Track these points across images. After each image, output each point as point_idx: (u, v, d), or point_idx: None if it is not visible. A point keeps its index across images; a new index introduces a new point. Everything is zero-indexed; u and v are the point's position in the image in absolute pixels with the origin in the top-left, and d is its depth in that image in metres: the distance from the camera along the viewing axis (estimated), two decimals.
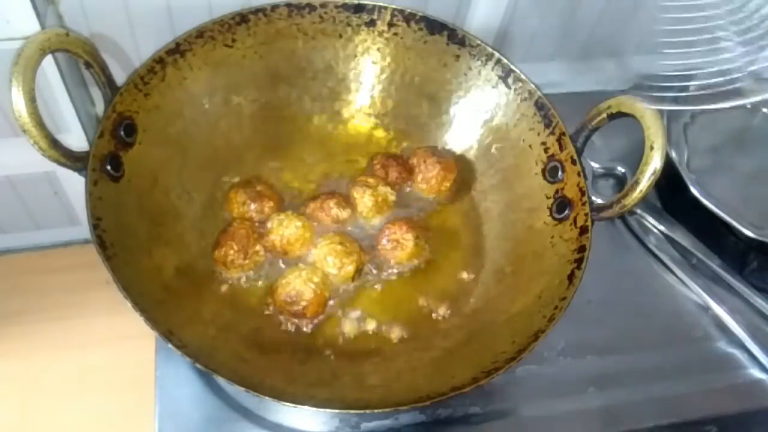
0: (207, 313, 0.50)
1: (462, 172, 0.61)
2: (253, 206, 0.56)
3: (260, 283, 0.54)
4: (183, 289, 0.50)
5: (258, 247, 0.54)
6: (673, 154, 0.66)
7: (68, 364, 0.59)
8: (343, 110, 0.63)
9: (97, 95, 0.58)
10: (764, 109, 0.76)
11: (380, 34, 0.60)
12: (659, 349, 0.60)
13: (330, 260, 0.53)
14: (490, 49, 0.57)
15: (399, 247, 0.55)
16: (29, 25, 0.47)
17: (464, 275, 0.57)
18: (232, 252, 0.53)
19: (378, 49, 0.61)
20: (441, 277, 0.56)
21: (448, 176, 0.60)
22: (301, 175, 0.60)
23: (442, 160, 0.60)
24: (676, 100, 0.70)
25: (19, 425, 0.56)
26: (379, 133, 0.64)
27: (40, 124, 0.42)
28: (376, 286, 0.55)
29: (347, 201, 0.58)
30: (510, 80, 0.57)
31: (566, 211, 0.52)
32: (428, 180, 0.60)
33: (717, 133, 0.73)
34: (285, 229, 0.54)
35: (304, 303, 0.51)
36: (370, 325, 0.53)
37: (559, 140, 0.53)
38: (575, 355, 0.58)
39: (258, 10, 0.56)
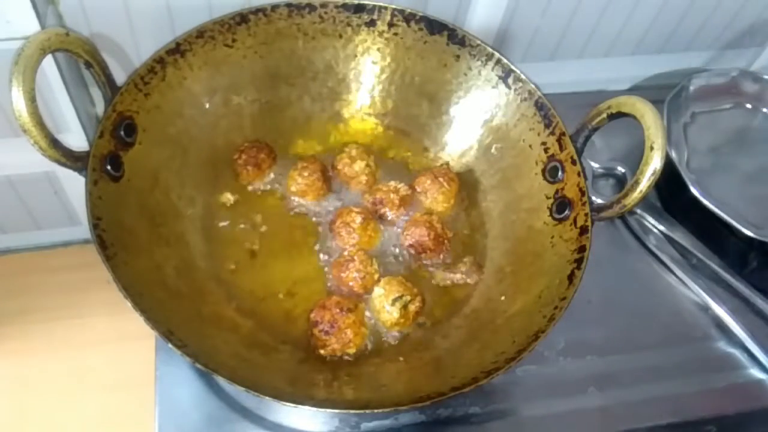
0: (207, 313, 0.50)
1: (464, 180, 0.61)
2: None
3: (262, 277, 0.54)
4: (183, 289, 0.50)
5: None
6: (673, 154, 0.66)
7: (68, 364, 0.59)
8: (343, 110, 0.63)
9: (97, 95, 0.58)
10: (764, 109, 0.76)
11: (380, 34, 0.60)
12: (659, 349, 0.60)
13: (388, 307, 0.52)
14: (490, 49, 0.57)
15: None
16: (29, 25, 0.47)
17: (464, 275, 0.57)
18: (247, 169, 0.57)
19: (378, 49, 0.61)
20: (441, 277, 0.56)
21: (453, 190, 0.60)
22: None
23: (445, 179, 0.59)
24: (676, 100, 0.71)
25: (18, 425, 0.56)
26: (379, 133, 0.64)
27: (40, 124, 0.42)
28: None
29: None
30: (510, 80, 0.57)
31: (566, 211, 0.52)
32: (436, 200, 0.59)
33: (717, 133, 0.73)
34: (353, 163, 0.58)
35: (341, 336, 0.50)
36: (371, 325, 0.53)
37: (559, 140, 0.53)
38: (575, 355, 0.58)
39: (258, 10, 0.56)
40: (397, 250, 0.57)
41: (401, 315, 0.51)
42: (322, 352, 0.50)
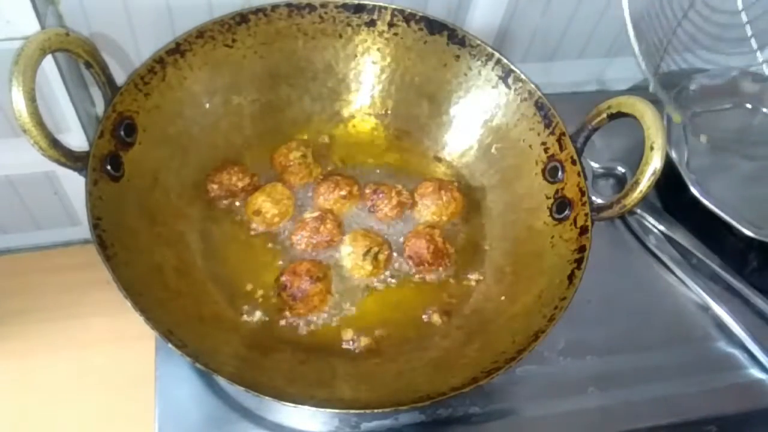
0: (207, 313, 0.50)
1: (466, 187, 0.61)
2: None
3: (261, 285, 0.54)
4: (183, 289, 0.50)
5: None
6: (673, 154, 0.66)
7: (68, 364, 0.59)
8: (343, 110, 0.63)
9: (97, 95, 0.58)
10: (764, 109, 0.76)
11: (380, 34, 0.60)
12: (659, 349, 0.60)
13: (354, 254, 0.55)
14: (490, 49, 0.57)
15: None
16: (29, 25, 0.47)
17: (464, 275, 0.57)
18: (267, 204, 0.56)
19: (378, 49, 0.61)
20: (440, 277, 0.56)
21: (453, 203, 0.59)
22: None
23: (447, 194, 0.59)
24: (677, 100, 0.71)
25: (18, 425, 0.56)
26: (380, 133, 0.64)
27: (40, 124, 0.42)
28: (377, 287, 0.55)
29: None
30: (510, 80, 0.57)
31: (566, 211, 0.52)
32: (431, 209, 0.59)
33: (717, 133, 0.73)
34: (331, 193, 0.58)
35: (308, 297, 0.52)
36: (371, 326, 0.53)
37: (559, 140, 0.53)
38: (575, 355, 0.58)
39: (258, 10, 0.56)
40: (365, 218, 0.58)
41: (374, 266, 0.54)
42: (287, 313, 0.52)
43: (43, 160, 0.43)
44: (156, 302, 0.45)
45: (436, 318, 0.54)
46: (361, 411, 0.46)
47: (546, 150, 0.55)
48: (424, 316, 0.54)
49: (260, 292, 0.53)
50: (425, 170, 0.62)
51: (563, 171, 0.53)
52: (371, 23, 0.59)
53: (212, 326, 0.49)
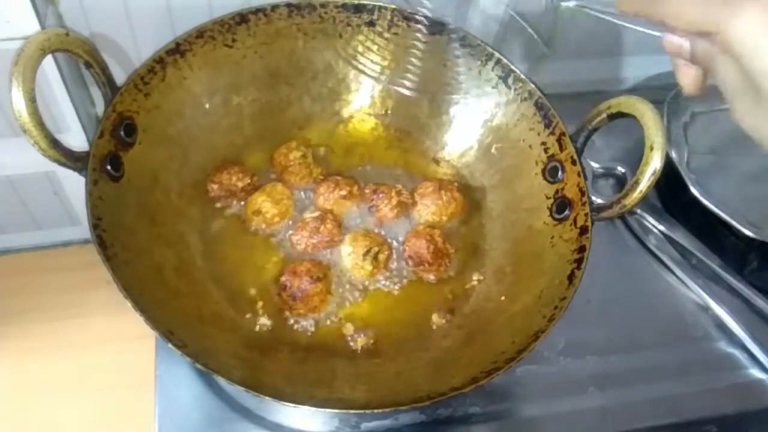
0: (207, 313, 0.50)
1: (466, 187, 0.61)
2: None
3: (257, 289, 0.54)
4: (183, 289, 0.50)
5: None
6: (673, 154, 0.66)
7: (68, 364, 0.58)
8: (343, 110, 0.64)
9: (97, 95, 0.58)
10: None
11: (380, 34, 0.60)
12: (659, 349, 0.60)
13: (354, 252, 0.54)
14: (490, 49, 0.57)
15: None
16: (29, 25, 0.47)
17: (464, 275, 0.57)
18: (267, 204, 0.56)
19: (378, 49, 0.61)
20: (440, 277, 0.56)
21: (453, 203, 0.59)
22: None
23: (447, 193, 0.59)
24: (676, 100, 0.71)
25: (18, 425, 0.56)
26: (380, 133, 0.64)
27: (40, 124, 0.42)
28: (377, 287, 0.55)
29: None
30: (510, 80, 0.57)
31: (566, 211, 0.52)
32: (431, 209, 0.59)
33: (717, 133, 0.73)
34: (331, 193, 0.57)
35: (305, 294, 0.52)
36: (371, 326, 0.53)
37: (559, 140, 0.53)
38: (575, 355, 0.58)
39: (258, 10, 0.56)
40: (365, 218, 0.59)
41: (374, 266, 0.54)
42: (287, 314, 0.52)
43: (43, 160, 0.43)
44: (156, 302, 0.45)
45: (436, 318, 0.54)
46: (361, 411, 0.46)
47: (546, 150, 0.55)
48: (424, 316, 0.54)
49: (260, 293, 0.53)
50: (425, 170, 0.62)
51: (563, 171, 0.53)
52: (371, 23, 0.59)
53: (212, 326, 0.49)
